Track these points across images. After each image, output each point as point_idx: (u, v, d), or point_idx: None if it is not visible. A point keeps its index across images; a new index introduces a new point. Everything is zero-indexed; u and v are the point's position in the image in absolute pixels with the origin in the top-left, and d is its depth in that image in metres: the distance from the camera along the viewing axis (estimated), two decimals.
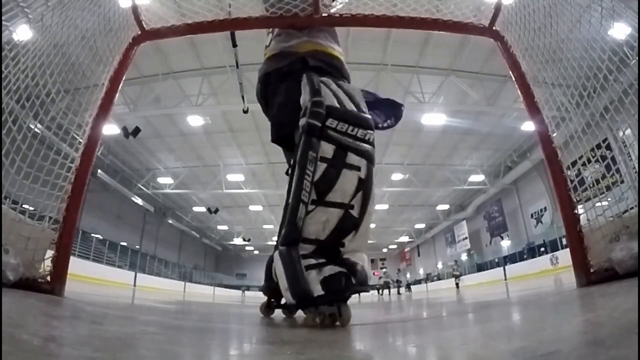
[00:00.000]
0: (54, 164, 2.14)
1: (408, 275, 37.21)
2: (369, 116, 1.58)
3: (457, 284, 17.96)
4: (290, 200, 1.40)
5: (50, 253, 2.02)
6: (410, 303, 5.10)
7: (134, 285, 15.81)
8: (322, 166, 1.42)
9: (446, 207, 25.33)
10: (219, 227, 29.96)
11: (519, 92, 2.58)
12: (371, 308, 3.98)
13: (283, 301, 1.59)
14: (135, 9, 2.68)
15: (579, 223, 2.09)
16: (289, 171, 1.53)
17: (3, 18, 1.88)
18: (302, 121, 1.48)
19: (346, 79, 1.83)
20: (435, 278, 29.37)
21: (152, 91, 12.25)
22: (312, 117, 1.47)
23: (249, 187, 19.14)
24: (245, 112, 2.74)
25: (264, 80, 1.84)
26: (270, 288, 1.62)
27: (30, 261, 1.85)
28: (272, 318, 1.78)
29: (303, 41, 1.85)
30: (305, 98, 1.54)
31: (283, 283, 1.34)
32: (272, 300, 1.78)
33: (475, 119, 14.34)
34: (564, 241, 11.39)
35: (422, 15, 2.75)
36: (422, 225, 30.46)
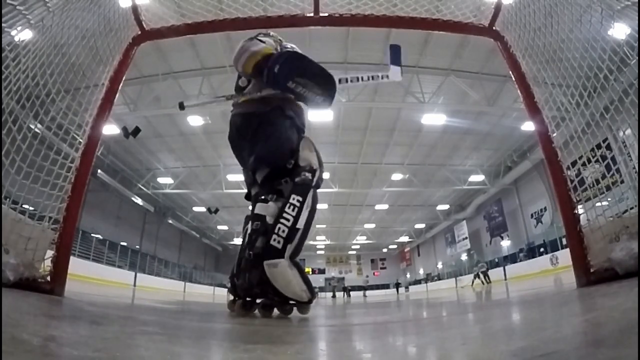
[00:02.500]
0: (54, 164, 2.14)
1: (408, 275, 37.25)
2: None
3: (487, 280, 17.06)
4: (302, 228, 1.85)
5: (50, 253, 2.02)
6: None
7: (134, 285, 15.80)
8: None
9: (446, 207, 25.30)
10: (219, 227, 29.91)
11: (519, 92, 2.58)
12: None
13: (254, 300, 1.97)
14: (135, 9, 2.68)
15: (579, 223, 2.09)
16: (272, 197, 1.93)
17: (4, 25, 1.88)
18: (309, 177, 1.96)
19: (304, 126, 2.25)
20: (435, 278, 29.36)
21: (152, 91, 12.23)
22: (320, 180, 2.02)
23: None
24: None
25: (247, 118, 2.09)
26: (254, 290, 1.87)
27: (30, 261, 1.85)
28: (270, 318, 1.78)
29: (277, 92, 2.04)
30: (312, 161, 2.03)
31: (299, 285, 1.77)
32: (247, 299, 1.95)
33: (475, 119, 14.32)
34: (564, 241, 11.38)
35: (422, 15, 2.76)
36: (422, 225, 30.42)
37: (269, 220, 1.85)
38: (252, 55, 1.88)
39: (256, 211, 1.91)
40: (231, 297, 2.08)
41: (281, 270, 1.75)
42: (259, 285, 1.79)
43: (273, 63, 1.81)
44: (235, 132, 2.14)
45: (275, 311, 1.87)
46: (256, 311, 1.89)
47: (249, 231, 1.92)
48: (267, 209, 1.89)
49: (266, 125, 2.02)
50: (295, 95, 1.97)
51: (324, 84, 2.08)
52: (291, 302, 1.82)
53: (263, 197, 1.96)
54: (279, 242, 1.78)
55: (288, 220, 1.81)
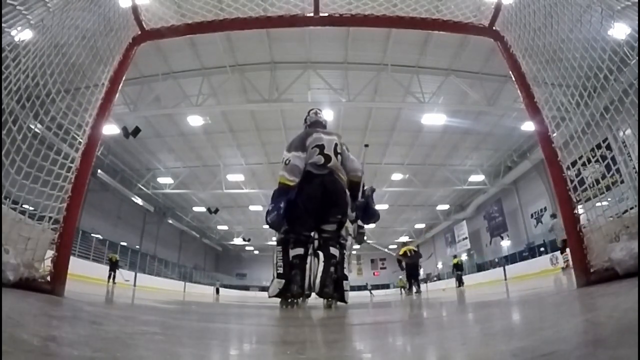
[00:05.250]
0: (54, 164, 2.14)
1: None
2: None
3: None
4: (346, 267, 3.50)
5: (50, 253, 2.02)
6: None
7: (134, 285, 15.80)
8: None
9: (446, 207, 25.30)
10: (219, 227, 29.93)
11: (519, 92, 2.58)
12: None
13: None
14: (135, 9, 2.68)
15: (579, 223, 2.09)
16: (338, 246, 3.08)
17: (4, 25, 1.88)
18: (347, 241, 3.65)
19: None
20: (435, 278, 29.36)
21: (152, 91, 12.23)
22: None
23: (249, 187, 19.12)
24: None
25: (341, 189, 3.11)
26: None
27: (30, 261, 1.85)
28: (271, 318, 1.78)
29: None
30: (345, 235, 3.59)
31: (347, 294, 3.14)
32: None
33: (475, 119, 14.32)
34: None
35: (422, 15, 2.75)
36: (422, 225, 30.43)
37: (338, 258, 3.02)
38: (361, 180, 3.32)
39: (332, 252, 2.94)
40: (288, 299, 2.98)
41: (348, 286, 3.17)
42: (335, 292, 2.96)
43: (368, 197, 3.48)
44: (326, 189, 2.99)
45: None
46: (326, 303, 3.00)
47: (322, 259, 2.83)
48: (336, 252, 3.00)
49: (347, 201, 3.18)
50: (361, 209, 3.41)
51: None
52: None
53: (333, 244, 3.01)
54: (346, 271, 3.29)
55: (345, 262, 3.33)
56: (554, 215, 10.93)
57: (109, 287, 9.99)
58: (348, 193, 3.21)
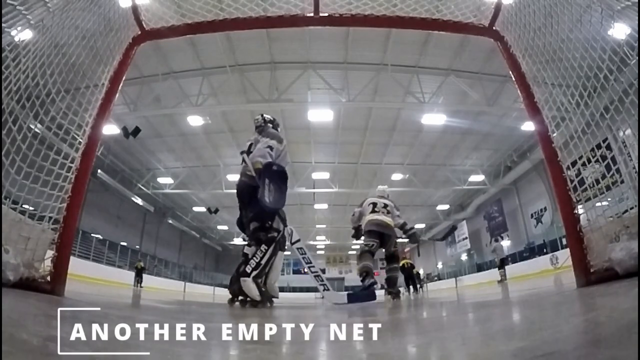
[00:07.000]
0: (54, 164, 2.14)
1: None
2: None
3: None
4: (263, 264, 2.98)
5: (50, 253, 2.02)
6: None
7: (134, 285, 15.79)
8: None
9: (446, 207, 25.27)
10: (219, 227, 29.89)
11: (519, 92, 2.58)
12: None
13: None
14: (135, 9, 2.68)
15: (579, 223, 2.09)
16: (253, 243, 3.10)
17: (4, 25, 1.88)
18: (275, 235, 3.13)
19: None
20: (435, 278, 29.34)
21: (152, 91, 12.22)
22: (283, 238, 3.30)
23: None
24: None
25: (247, 186, 3.08)
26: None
27: (30, 261, 1.85)
28: (271, 318, 1.78)
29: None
30: (279, 226, 3.22)
31: (255, 292, 2.89)
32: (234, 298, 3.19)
33: (475, 119, 14.30)
34: (564, 241, 11.36)
35: (422, 15, 2.76)
36: (422, 225, 30.35)
37: (250, 255, 2.99)
38: (260, 162, 3.01)
39: (245, 251, 3.13)
40: (230, 297, 3.19)
41: (247, 283, 2.87)
42: (239, 290, 2.97)
43: (268, 171, 3.00)
44: (240, 191, 3.23)
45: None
46: (237, 303, 3.05)
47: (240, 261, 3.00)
48: (250, 250, 3.07)
49: (253, 199, 2.96)
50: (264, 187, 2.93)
51: (280, 194, 3.06)
52: (249, 300, 2.92)
53: (249, 242, 3.18)
54: (248, 269, 2.92)
55: (256, 259, 2.95)
56: (497, 240, 13.01)
57: (136, 290, 11.05)
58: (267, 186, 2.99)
